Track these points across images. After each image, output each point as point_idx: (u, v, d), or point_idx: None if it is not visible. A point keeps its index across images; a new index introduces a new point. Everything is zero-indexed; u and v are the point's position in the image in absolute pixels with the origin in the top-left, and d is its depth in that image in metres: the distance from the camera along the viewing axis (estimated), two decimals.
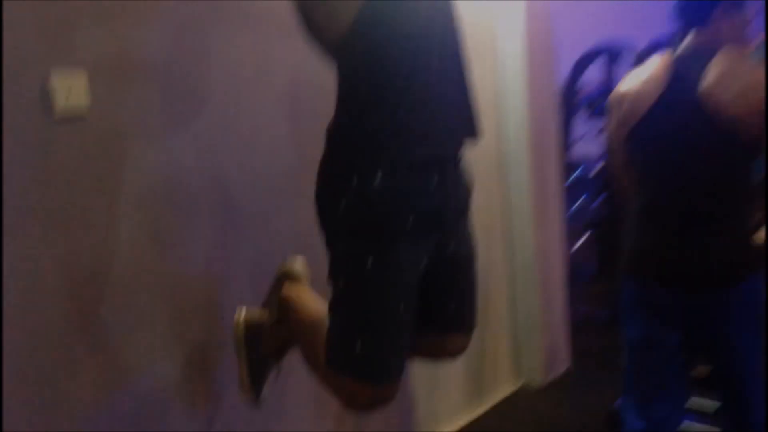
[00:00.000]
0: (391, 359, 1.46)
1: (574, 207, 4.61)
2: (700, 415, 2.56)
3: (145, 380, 1.87)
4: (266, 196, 2.13)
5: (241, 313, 1.85)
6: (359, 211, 1.44)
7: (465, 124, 1.55)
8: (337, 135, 1.48)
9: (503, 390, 3.20)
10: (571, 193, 4.42)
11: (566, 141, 4.43)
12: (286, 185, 2.16)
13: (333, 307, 1.50)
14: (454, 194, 1.56)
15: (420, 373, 2.69)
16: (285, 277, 1.81)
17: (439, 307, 1.62)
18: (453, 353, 1.70)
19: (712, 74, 1.79)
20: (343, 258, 1.47)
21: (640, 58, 2.25)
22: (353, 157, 1.45)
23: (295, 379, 2.10)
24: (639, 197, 1.98)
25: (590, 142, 4.62)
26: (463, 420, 2.95)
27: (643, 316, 1.96)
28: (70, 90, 1.68)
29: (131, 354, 1.84)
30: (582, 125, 4.70)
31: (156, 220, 1.88)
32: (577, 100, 4.57)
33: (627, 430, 2.00)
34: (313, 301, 1.71)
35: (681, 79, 1.85)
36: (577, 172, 4.73)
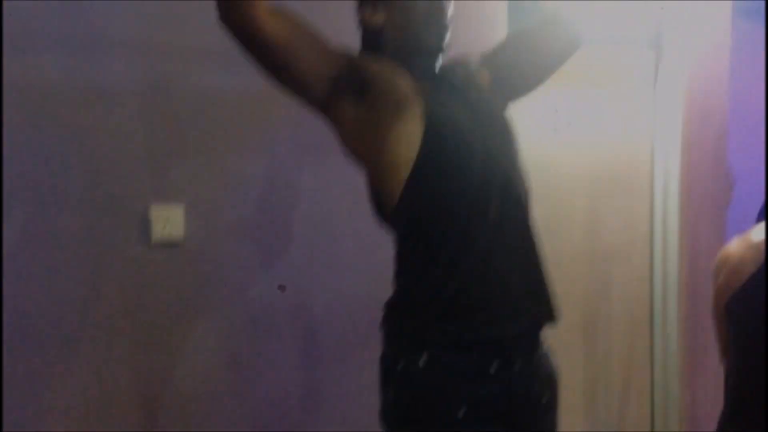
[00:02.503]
0: None
1: None
2: None
3: None
4: (349, 326, 2.14)
5: None
6: (404, 397, 1.34)
7: (535, 303, 1.41)
8: (389, 311, 1.43)
9: None
10: None
11: None
12: (369, 316, 2.16)
13: None
14: (526, 383, 1.38)
15: None
16: None
17: None
18: None
19: None
20: None
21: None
22: (401, 338, 1.38)
23: None
24: (727, 381, 1.71)
25: None
26: None
27: None
28: (168, 221, 1.87)
29: None
30: None
31: (237, 344, 1.98)
32: None
33: None
34: None
35: None
36: None
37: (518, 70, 1.62)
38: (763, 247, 1.64)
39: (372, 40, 1.52)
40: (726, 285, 1.70)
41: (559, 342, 2.70)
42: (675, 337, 2.82)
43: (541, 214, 2.64)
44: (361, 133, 1.41)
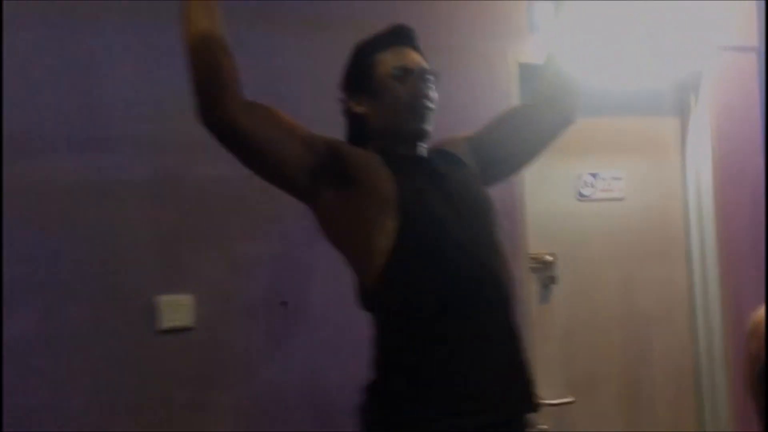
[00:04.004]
0: None
1: None
2: None
3: None
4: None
5: None
6: None
7: (515, 393, 1.39)
8: (366, 396, 1.42)
9: None
10: None
11: None
12: None
13: None
14: None
15: None
16: None
17: None
18: None
19: None
20: None
21: None
22: (378, 424, 1.37)
23: None
24: None
25: None
26: None
27: None
28: (176, 310, 1.91)
29: None
30: None
31: (249, 427, 1.98)
32: None
33: None
34: None
35: None
36: None
37: (508, 149, 1.63)
38: None
39: (356, 128, 1.56)
40: (758, 354, 1.61)
41: (598, 406, 2.68)
42: (724, 407, 2.67)
43: (575, 282, 2.69)
44: (340, 222, 1.43)
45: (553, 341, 2.62)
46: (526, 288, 2.51)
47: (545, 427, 2.35)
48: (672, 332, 2.75)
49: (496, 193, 2.34)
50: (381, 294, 1.39)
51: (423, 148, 1.53)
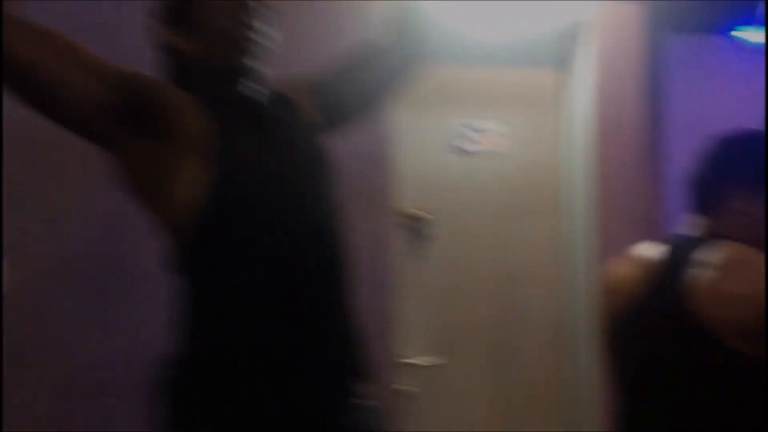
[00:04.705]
0: None
1: None
2: None
3: None
4: None
5: None
6: None
7: (347, 359, 1.29)
8: (174, 371, 1.25)
9: None
10: None
11: None
12: None
13: None
14: None
15: None
16: None
17: None
18: None
19: (700, 269, 1.39)
20: None
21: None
22: (190, 399, 1.22)
23: None
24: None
25: None
26: None
27: None
28: None
29: None
30: None
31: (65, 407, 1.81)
32: None
33: None
34: None
35: (669, 272, 1.46)
36: None
37: (350, 96, 1.50)
38: (649, 266, 1.50)
39: (173, 64, 1.36)
40: (609, 310, 1.57)
41: (469, 366, 2.63)
42: (584, 361, 2.66)
43: (449, 240, 2.60)
44: (144, 173, 1.25)
45: (424, 301, 2.53)
46: (396, 246, 2.41)
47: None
48: (543, 290, 2.71)
49: (362, 143, 2.24)
50: (193, 256, 1.23)
51: (253, 90, 1.35)
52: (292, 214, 1.25)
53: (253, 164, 1.26)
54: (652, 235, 1.60)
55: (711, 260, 1.41)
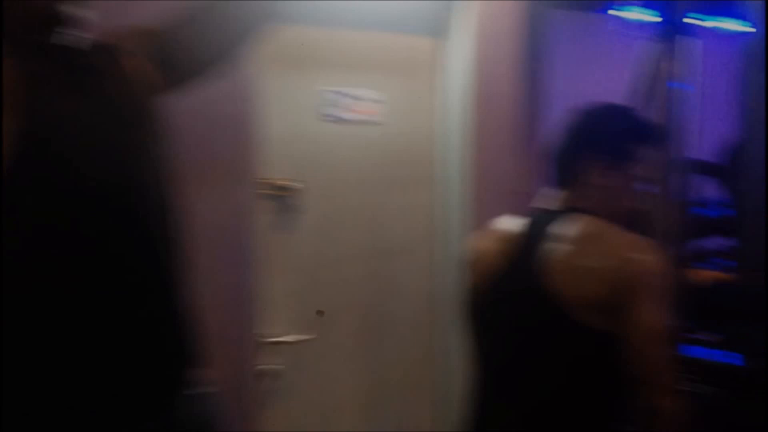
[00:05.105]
0: None
1: None
2: None
3: None
4: None
5: None
6: None
7: (169, 352, 1.16)
8: None
9: None
10: None
11: None
12: None
13: None
14: None
15: None
16: None
17: None
18: None
19: (554, 243, 1.36)
20: None
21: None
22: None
23: None
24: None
25: None
26: None
27: None
28: None
29: None
30: None
31: None
32: None
33: None
34: None
35: (526, 245, 1.43)
36: None
37: (192, 50, 1.33)
38: (509, 239, 1.46)
39: None
40: (465, 282, 1.52)
41: (339, 341, 2.55)
42: (457, 336, 2.63)
43: (319, 212, 2.49)
44: None
45: (291, 274, 2.41)
46: (260, 218, 2.27)
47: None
48: (416, 263, 2.64)
49: (220, 106, 2.09)
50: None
51: (72, 37, 1.19)
52: (100, 176, 1.10)
53: (57, 116, 1.10)
54: (527, 209, 1.54)
55: (565, 234, 1.38)
